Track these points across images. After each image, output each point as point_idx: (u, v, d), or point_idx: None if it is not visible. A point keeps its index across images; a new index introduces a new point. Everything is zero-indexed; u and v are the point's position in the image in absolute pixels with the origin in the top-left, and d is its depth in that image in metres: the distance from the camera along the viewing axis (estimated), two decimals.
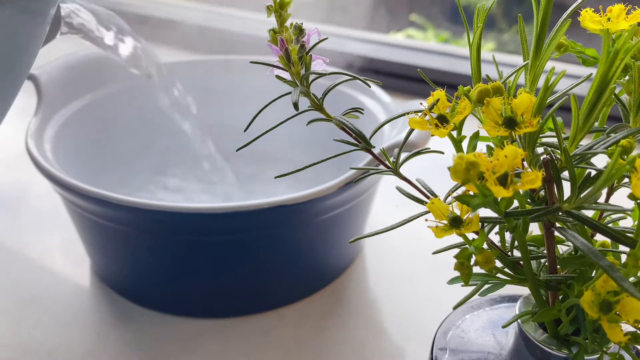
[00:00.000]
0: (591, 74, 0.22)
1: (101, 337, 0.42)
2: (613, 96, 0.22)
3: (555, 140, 0.22)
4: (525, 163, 0.21)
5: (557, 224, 0.21)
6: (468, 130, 0.22)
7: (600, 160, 0.20)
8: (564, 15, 0.21)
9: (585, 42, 0.24)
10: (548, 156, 0.20)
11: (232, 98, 0.59)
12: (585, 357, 0.21)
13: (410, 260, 0.49)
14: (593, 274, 0.22)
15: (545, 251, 0.23)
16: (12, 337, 0.42)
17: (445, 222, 0.20)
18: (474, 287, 0.22)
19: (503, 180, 0.18)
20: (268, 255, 0.41)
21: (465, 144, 0.22)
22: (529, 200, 0.22)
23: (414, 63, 0.80)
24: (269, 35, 0.23)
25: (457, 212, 0.20)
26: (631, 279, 0.18)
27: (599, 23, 0.21)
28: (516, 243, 0.23)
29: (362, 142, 0.24)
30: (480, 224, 0.20)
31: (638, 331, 0.19)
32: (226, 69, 0.59)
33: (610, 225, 0.20)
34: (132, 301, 0.44)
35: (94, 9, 0.42)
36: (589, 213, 0.22)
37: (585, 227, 0.20)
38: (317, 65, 0.24)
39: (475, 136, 0.22)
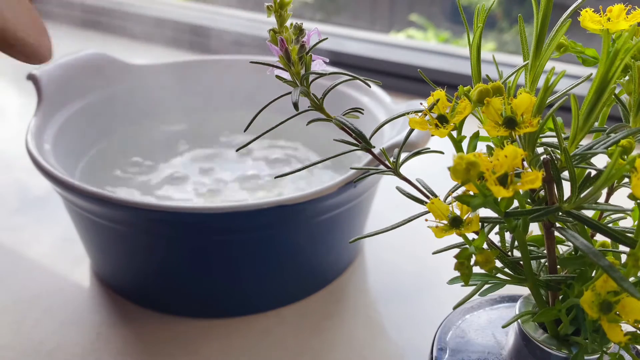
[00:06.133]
0: (591, 74, 0.22)
1: (101, 337, 0.42)
2: (613, 96, 0.22)
3: (555, 140, 0.22)
4: (525, 163, 0.21)
5: (557, 224, 0.21)
6: (468, 130, 0.22)
7: (600, 160, 0.20)
8: (564, 15, 0.21)
9: (585, 42, 0.24)
10: (548, 156, 0.20)
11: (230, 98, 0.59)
12: (585, 357, 0.21)
13: (410, 260, 0.49)
14: (593, 274, 0.22)
15: (545, 251, 0.23)
16: (12, 337, 0.42)
17: (445, 222, 0.20)
18: (474, 287, 0.22)
19: (503, 180, 0.18)
20: (268, 255, 0.41)
21: (465, 144, 0.22)
22: (529, 200, 0.22)
23: (414, 63, 0.80)
24: (269, 35, 0.23)
25: (457, 212, 0.20)
26: (631, 279, 0.18)
27: (599, 23, 0.21)
28: (516, 243, 0.23)
29: (362, 142, 0.24)
30: (480, 224, 0.20)
31: (638, 331, 0.19)
32: (224, 68, 0.59)
33: (610, 225, 0.20)
34: (132, 301, 0.44)
35: None
36: (589, 213, 0.22)
37: (585, 227, 0.20)
38: (317, 65, 0.24)
39: (475, 136, 0.22)
